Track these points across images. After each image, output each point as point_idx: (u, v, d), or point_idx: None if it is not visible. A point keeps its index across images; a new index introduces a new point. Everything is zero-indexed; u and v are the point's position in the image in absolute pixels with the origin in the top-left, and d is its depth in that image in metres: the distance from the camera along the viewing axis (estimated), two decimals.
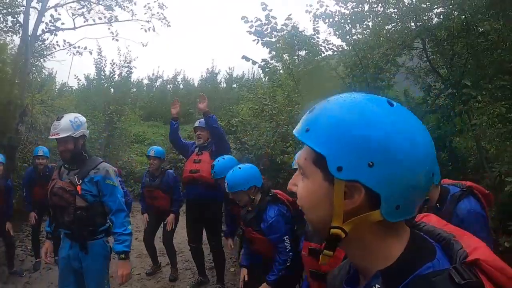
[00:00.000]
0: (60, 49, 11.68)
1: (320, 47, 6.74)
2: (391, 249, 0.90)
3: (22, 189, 6.64)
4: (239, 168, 3.85)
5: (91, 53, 12.67)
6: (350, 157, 0.84)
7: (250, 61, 5.98)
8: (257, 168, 4.03)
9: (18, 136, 8.66)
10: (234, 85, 25.31)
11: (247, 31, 5.92)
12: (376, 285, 0.88)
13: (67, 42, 11.58)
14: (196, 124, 5.80)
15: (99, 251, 3.76)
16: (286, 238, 3.59)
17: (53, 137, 3.61)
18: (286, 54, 6.32)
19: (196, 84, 27.28)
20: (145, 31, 12.24)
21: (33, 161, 6.68)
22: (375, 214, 0.86)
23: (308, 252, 2.26)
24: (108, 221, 3.81)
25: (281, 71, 6.65)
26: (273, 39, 6.00)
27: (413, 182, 0.85)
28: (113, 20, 11.90)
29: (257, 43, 5.92)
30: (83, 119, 3.81)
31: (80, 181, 3.59)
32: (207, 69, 26.51)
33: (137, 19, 12.31)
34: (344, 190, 0.86)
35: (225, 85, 26.18)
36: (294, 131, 0.97)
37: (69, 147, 3.64)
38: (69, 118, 3.69)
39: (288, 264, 3.56)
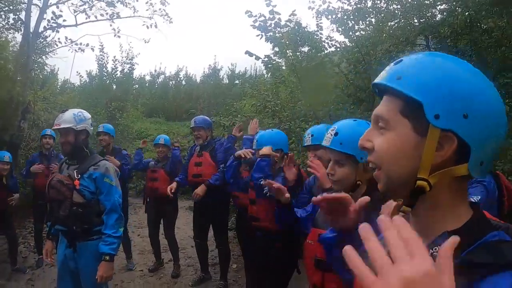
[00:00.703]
0: (62, 46, 11.74)
1: (323, 43, 6.73)
2: (460, 212, 0.90)
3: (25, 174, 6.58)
4: (272, 130, 4.11)
5: (93, 49, 12.72)
6: (447, 106, 0.84)
7: (253, 56, 5.97)
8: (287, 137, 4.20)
9: (21, 133, 8.68)
10: (237, 81, 25.26)
11: (251, 25, 5.92)
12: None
13: (69, 39, 11.63)
14: (192, 124, 5.74)
15: (95, 251, 3.66)
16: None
17: (55, 127, 3.62)
18: (289, 50, 6.31)
19: (198, 80, 27.26)
20: (147, 27, 12.25)
21: (40, 143, 6.65)
22: (461, 168, 0.86)
23: (317, 239, 2.18)
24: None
25: (283, 68, 6.64)
26: (277, 35, 5.99)
27: (499, 137, 0.88)
28: (115, 17, 11.93)
29: (261, 38, 5.91)
30: (87, 115, 3.82)
31: (79, 176, 3.57)
32: (209, 65, 26.48)
33: (139, 16, 12.33)
34: (437, 140, 0.84)
35: (227, 81, 26.13)
36: (377, 80, 0.96)
37: (70, 139, 3.63)
38: (73, 111, 3.72)
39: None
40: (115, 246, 3.60)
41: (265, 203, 3.85)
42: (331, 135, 2.07)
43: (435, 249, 0.85)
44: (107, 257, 3.51)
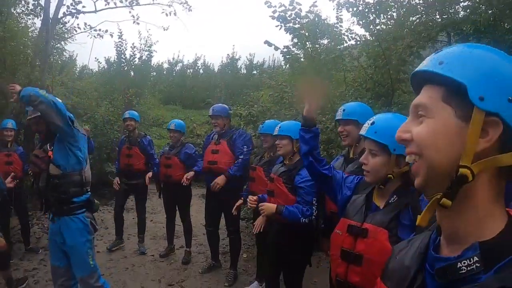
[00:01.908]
0: (81, 32, 11.87)
1: (343, 36, 6.67)
2: (495, 220, 0.85)
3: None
4: (295, 119, 4.16)
5: (111, 36, 12.80)
6: (492, 88, 0.82)
7: (272, 46, 5.94)
8: None
9: None
10: (255, 72, 25.21)
11: (270, 16, 5.88)
12: (475, 257, 0.82)
13: (88, 25, 11.68)
14: (210, 112, 5.77)
15: (79, 226, 3.86)
16: (314, 200, 3.69)
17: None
18: (308, 42, 6.26)
19: (216, 70, 27.25)
20: (166, 15, 12.25)
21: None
22: (507, 157, 0.82)
23: (346, 229, 2.20)
24: (85, 193, 3.93)
25: (302, 59, 6.59)
26: (297, 26, 5.94)
27: None
28: (134, 4, 11.94)
29: (280, 28, 5.87)
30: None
31: (52, 147, 3.79)
32: (228, 54, 26.38)
33: (158, 3, 12.33)
34: (482, 125, 0.82)
35: (245, 72, 26.08)
36: (418, 68, 0.95)
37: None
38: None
39: (306, 220, 3.65)
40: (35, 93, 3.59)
41: (285, 195, 3.89)
42: (368, 124, 2.14)
43: (464, 262, 0.82)
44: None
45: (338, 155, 5.34)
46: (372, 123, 2.14)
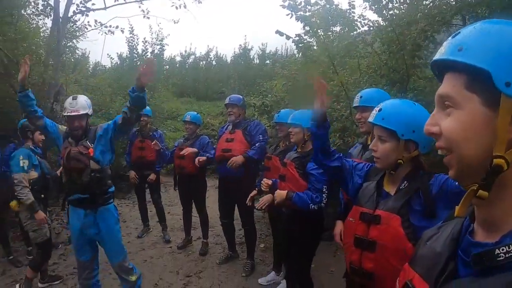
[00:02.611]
0: (92, 29, 11.85)
1: (355, 22, 6.58)
2: None
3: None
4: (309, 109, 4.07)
5: (122, 31, 12.82)
6: None
7: (284, 36, 5.88)
8: None
9: (54, 115, 8.82)
10: (267, 61, 25.15)
11: (280, 5, 5.82)
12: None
13: (99, 22, 11.70)
14: (227, 101, 5.79)
15: (114, 214, 4.29)
16: (325, 188, 3.73)
17: (74, 113, 4.04)
18: (320, 30, 6.19)
19: (228, 61, 27.24)
20: (176, 8, 12.20)
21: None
22: None
23: (359, 216, 2.20)
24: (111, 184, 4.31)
25: (315, 47, 6.52)
26: (307, 13, 5.88)
27: None
28: None
29: (291, 17, 5.81)
30: (89, 100, 4.31)
31: (92, 144, 4.07)
32: (240, 45, 26.40)
33: None
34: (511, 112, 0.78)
35: (258, 61, 26.03)
36: (436, 57, 0.92)
37: (83, 124, 4.14)
38: (83, 98, 4.20)
39: (315, 207, 3.70)
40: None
41: (296, 180, 3.93)
42: (376, 111, 2.15)
43: (502, 249, 0.79)
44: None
45: (354, 142, 5.31)
46: (380, 110, 2.15)
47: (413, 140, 2.08)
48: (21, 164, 4.95)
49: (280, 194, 3.85)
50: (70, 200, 4.20)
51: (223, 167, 5.62)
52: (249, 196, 5.06)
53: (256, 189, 5.13)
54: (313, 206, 3.68)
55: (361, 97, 3.48)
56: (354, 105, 3.59)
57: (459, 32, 0.88)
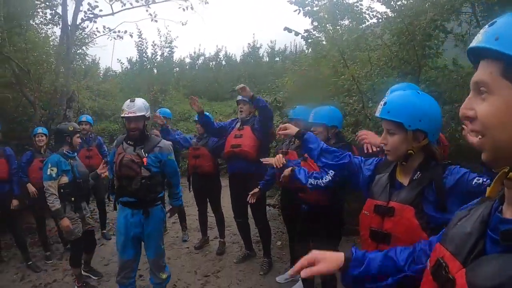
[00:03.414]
0: (101, 35, 11.98)
1: (364, 15, 6.53)
2: None
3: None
4: (328, 106, 4.19)
5: (131, 36, 12.90)
6: None
7: (293, 32, 5.86)
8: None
9: (67, 122, 8.91)
10: (277, 59, 25.11)
11: (288, 1, 5.80)
12: None
13: (107, 28, 11.78)
14: (239, 97, 5.79)
15: (160, 215, 4.52)
16: (332, 172, 3.60)
17: (130, 115, 4.19)
18: (329, 24, 6.15)
19: (238, 60, 27.23)
20: (183, 10, 12.23)
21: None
22: None
23: (373, 209, 2.20)
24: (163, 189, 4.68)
25: (324, 42, 6.49)
26: (315, 8, 5.85)
27: None
28: (150, 2, 11.97)
29: (299, 13, 5.78)
30: (148, 104, 4.46)
31: (146, 154, 4.23)
32: (249, 44, 26.44)
33: None
34: None
35: (267, 59, 26.00)
36: (473, 44, 0.94)
37: (140, 126, 4.28)
38: (141, 100, 4.33)
39: (312, 181, 3.60)
40: (181, 200, 4.89)
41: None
42: (381, 106, 2.16)
43: None
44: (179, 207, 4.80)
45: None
46: (385, 103, 2.15)
47: (421, 129, 2.08)
48: (49, 172, 5.04)
49: (293, 128, 3.84)
50: (120, 200, 4.41)
51: (233, 165, 5.66)
52: (250, 194, 5.09)
53: (259, 188, 5.20)
54: (310, 181, 3.61)
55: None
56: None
57: (496, 21, 0.90)
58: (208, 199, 6.67)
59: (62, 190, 5.08)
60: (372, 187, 2.37)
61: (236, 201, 5.93)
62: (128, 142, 4.34)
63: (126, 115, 4.21)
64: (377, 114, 2.19)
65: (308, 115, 4.72)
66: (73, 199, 5.19)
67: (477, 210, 1.12)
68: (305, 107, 4.93)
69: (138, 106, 4.21)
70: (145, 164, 4.19)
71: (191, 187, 6.76)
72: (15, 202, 6.05)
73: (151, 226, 4.38)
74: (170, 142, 4.61)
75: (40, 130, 6.62)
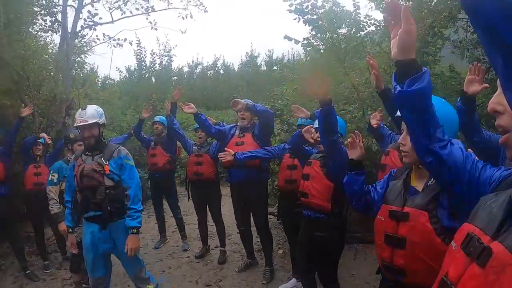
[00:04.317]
0: (101, 43, 11.94)
1: (362, 23, 6.56)
2: None
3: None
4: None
5: (131, 44, 12.90)
6: None
7: (293, 40, 5.88)
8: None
9: (66, 129, 8.91)
10: (275, 67, 25.17)
11: (287, 10, 5.82)
12: None
13: (107, 35, 11.78)
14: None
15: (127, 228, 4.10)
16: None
17: (82, 123, 4.04)
18: (328, 32, 6.17)
19: (236, 69, 27.30)
20: (183, 18, 12.28)
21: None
22: None
23: (388, 214, 2.19)
24: None
25: (322, 50, 6.50)
26: (314, 17, 5.87)
27: None
28: (150, 11, 12.01)
29: (298, 21, 5.81)
30: (102, 110, 4.30)
31: (107, 162, 4.05)
32: (246, 52, 26.52)
33: (174, 7, 12.37)
34: None
35: (265, 68, 26.07)
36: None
37: (94, 133, 4.12)
38: (93, 107, 4.20)
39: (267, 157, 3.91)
40: (140, 219, 4.08)
41: (320, 178, 3.90)
42: None
43: None
44: (135, 230, 3.99)
45: (368, 143, 5.29)
46: None
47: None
48: (50, 178, 5.32)
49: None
50: (85, 216, 4.18)
51: (235, 173, 5.60)
52: None
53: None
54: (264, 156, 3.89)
55: None
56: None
57: None
58: (208, 208, 6.63)
59: (63, 196, 5.05)
60: (387, 193, 2.38)
61: (238, 210, 5.88)
62: (87, 153, 4.21)
63: (78, 124, 4.07)
64: (398, 113, 2.10)
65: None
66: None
67: (502, 195, 1.20)
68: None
69: (89, 113, 4.08)
70: (107, 172, 4.02)
71: (190, 195, 6.72)
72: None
73: (121, 240, 4.08)
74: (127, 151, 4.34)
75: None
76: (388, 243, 2.20)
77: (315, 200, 3.90)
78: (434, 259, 1.90)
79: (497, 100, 0.97)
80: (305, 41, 6.06)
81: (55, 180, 5.31)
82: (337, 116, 4.05)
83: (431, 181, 2.11)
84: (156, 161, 7.23)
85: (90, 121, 4.07)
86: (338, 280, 4.11)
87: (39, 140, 6.54)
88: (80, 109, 4.16)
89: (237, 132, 5.66)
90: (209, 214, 6.70)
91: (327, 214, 3.84)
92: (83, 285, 5.47)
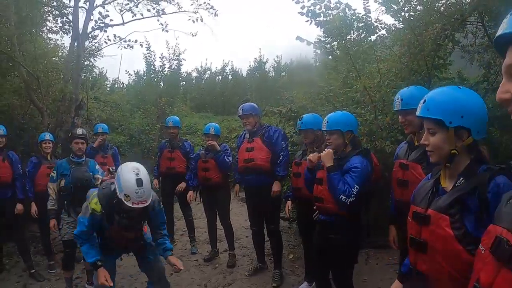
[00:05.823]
0: (112, 43, 11.93)
1: (373, 26, 6.53)
2: None
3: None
4: (341, 111, 4.04)
5: (141, 45, 12.89)
6: None
7: (305, 42, 5.86)
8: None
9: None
10: (283, 73, 25.15)
11: (299, 12, 5.80)
12: None
13: (118, 36, 11.80)
14: (240, 112, 5.71)
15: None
16: (356, 189, 3.54)
17: (142, 205, 3.59)
18: (341, 34, 6.14)
19: (244, 74, 27.33)
20: (193, 22, 12.27)
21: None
22: None
23: (412, 216, 2.11)
24: None
25: (337, 52, 6.47)
26: (327, 18, 5.84)
27: None
28: (160, 13, 12.02)
29: (310, 23, 5.78)
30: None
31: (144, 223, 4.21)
32: (255, 58, 26.51)
33: (184, 11, 12.37)
34: None
35: (273, 74, 26.07)
36: (499, 32, 0.96)
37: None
38: (147, 178, 3.66)
39: (343, 198, 3.53)
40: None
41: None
42: (421, 104, 2.03)
43: None
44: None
45: (382, 146, 5.24)
46: (424, 101, 2.01)
47: (464, 126, 1.91)
48: (51, 174, 5.59)
49: (328, 157, 3.70)
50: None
51: (248, 179, 5.64)
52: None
53: (290, 199, 5.28)
54: (342, 197, 3.52)
55: (401, 100, 3.38)
56: (395, 108, 3.50)
57: None
58: (217, 211, 6.61)
59: (61, 193, 5.40)
60: (415, 192, 2.24)
61: (252, 211, 5.90)
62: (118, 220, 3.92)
63: (136, 206, 3.61)
64: (417, 113, 2.04)
65: (317, 123, 4.70)
66: (65, 202, 5.38)
67: None
68: (312, 115, 4.95)
69: (148, 190, 3.64)
70: (145, 231, 4.29)
71: (200, 197, 6.71)
72: (19, 207, 6.08)
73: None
74: None
75: (47, 136, 6.54)
76: (411, 246, 2.11)
77: (329, 205, 3.83)
78: (456, 267, 1.79)
79: (503, 89, 0.96)
80: (317, 43, 6.03)
81: (54, 177, 5.51)
82: (347, 113, 4.03)
83: (459, 181, 1.95)
84: (174, 165, 7.23)
85: (149, 201, 3.69)
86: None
87: (47, 138, 6.50)
88: (135, 183, 3.53)
89: (247, 135, 5.67)
90: (218, 218, 6.68)
91: (342, 217, 3.76)
92: (87, 285, 5.59)
